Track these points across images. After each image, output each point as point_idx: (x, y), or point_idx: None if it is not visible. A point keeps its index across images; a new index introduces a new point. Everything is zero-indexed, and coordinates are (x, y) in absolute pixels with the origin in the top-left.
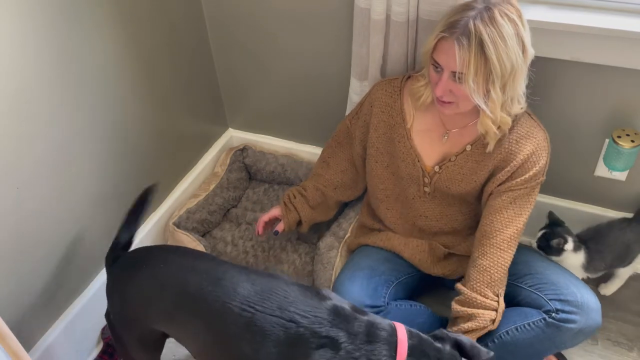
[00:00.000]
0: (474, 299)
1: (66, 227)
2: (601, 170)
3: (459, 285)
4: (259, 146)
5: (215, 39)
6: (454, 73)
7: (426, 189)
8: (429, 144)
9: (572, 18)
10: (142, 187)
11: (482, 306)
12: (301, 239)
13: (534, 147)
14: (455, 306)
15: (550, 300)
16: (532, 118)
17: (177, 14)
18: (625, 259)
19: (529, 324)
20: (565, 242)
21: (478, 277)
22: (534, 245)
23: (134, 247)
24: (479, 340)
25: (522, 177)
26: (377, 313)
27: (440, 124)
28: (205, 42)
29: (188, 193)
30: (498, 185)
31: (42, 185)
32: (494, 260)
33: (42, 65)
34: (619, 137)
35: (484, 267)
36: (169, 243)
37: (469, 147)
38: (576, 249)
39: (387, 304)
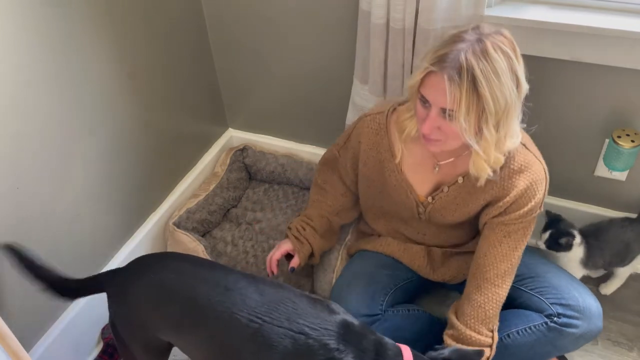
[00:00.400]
0: (467, 337)
1: (66, 227)
2: (601, 170)
3: (452, 319)
4: (259, 146)
5: (216, 38)
6: (443, 110)
7: (421, 217)
8: (420, 175)
9: (572, 18)
10: (142, 187)
11: (476, 343)
12: None
13: (529, 182)
14: (448, 340)
15: (551, 304)
16: (527, 149)
17: (177, 14)
18: (624, 258)
19: (530, 328)
20: (574, 237)
21: (472, 313)
22: (541, 246)
23: (134, 247)
24: None
25: (516, 213)
26: (374, 322)
27: (430, 156)
28: (206, 42)
29: (188, 193)
30: (492, 218)
31: (42, 186)
32: (488, 296)
33: (41, 66)
34: (619, 137)
35: (478, 304)
36: (168, 243)
37: (460, 179)
38: (580, 242)
39: (385, 311)
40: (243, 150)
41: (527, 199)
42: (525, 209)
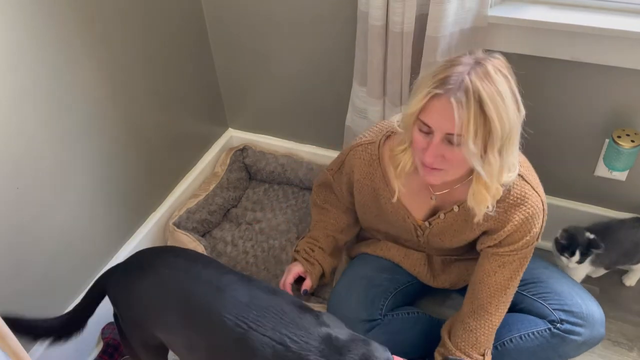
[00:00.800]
0: (458, 358)
1: (66, 228)
2: (601, 170)
3: (444, 338)
4: (259, 146)
5: (215, 38)
6: (448, 136)
7: (420, 239)
8: (416, 202)
9: (572, 18)
10: (142, 187)
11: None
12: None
13: (525, 215)
14: (438, 358)
15: (554, 310)
16: (525, 181)
17: (176, 14)
18: (633, 257)
19: (533, 333)
20: (601, 247)
21: (464, 335)
22: (572, 265)
23: (134, 246)
24: None
25: (511, 246)
26: (374, 327)
27: (426, 187)
28: (205, 41)
29: (188, 193)
30: (487, 247)
31: (42, 186)
32: (481, 322)
33: (40, 66)
34: (619, 137)
35: (470, 328)
36: (168, 243)
37: (456, 208)
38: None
39: (384, 315)
40: (243, 150)
41: (522, 233)
42: (521, 242)
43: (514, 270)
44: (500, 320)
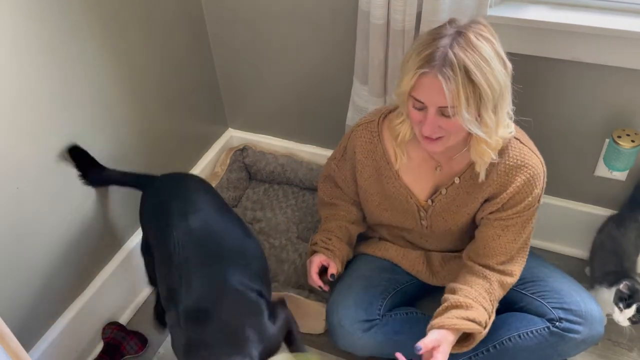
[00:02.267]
0: (471, 295)
1: (65, 227)
2: (601, 170)
3: (452, 285)
4: (259, 146)
5: (215, 38)
6: (441, 108)
7: (423, 222)
8: (419, 178)
9: (572, 18)
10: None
11: (479, 302)
12: (301, 238)
13: (526, 177)
14: (447, 295)
15: (553, 308)
16: (522, 144)
17: (176, 14)
18: None
19: (532, 332)
20: None
21: (469, 290)
22: (623, 323)
23: (134, 246)
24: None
25: (514, 209)
26: (372, 327)
27: (429, 157)
28: (205, 41)
29: None
30: (488, 214)
31: (42, 185)
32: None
33: (41, 66)
34: (619, 137)
35: (476, 283)
36: None
37: (457, 180)
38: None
39: (382, 316)
40: (243, 150)
41: (524, 194)
42: (523, 204)
43: (516, 232)
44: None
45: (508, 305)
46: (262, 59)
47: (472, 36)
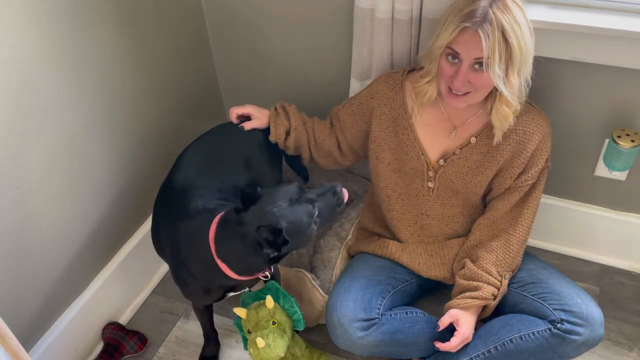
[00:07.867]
0: (479, 275)
1: (65, 227)
2: (601, 170)
3: (464, 260)
4: None
5: (215, 37)
6: (476, 61)
7: (430, 184)
8: (432, 137)
9: (572, 18)
10: (141, 187)
11: (486, 281)
12: None
13: (541, 136)
14: (460, 281)
15: (554, 310)
16: (533, 106)
17: (176, 12)
18: None
19: (533, 333)
20: None
21: (485, 255)
22: None
23: (135, 245)
24: (478, 344)
25: (536, 168)
26: (372, 326)
27: (445, 119)
28: (205, 40)
29: None
30: (515, 180)
31: (42, 185)
32: (502, 242)
33: (44, 64)
34: (619, 137)
35: (492, 248)
36: None
37: (473, 140)
38: None
39: (382, 315)
40: None
41: (542, 151)
42: (542, 162)
43: (529, 193)
44: (520, 245)
45: (509, 306)
46: (262, 59)
47: (508, 1)
